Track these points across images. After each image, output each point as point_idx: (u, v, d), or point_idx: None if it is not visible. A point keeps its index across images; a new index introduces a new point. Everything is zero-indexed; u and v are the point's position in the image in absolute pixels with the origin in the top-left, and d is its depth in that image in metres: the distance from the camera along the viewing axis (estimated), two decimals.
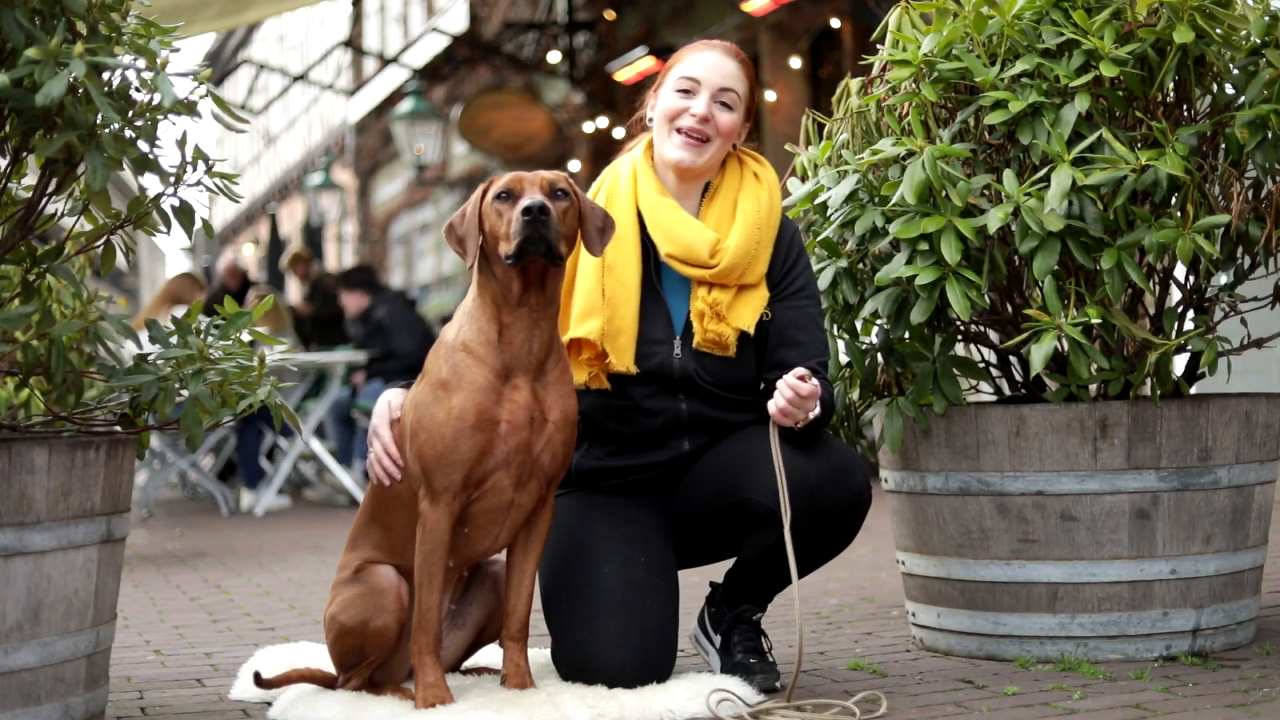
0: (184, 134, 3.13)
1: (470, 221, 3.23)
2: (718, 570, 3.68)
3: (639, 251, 3.47)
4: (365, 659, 3.34)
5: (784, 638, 4.11)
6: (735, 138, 3.52)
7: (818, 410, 3.26)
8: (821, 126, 4.04)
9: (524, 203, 3.13)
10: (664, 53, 12.15)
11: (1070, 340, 3.47)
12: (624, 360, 3.41)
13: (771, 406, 3.24)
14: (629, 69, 12.88)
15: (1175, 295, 3.91)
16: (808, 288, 3.51)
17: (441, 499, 3.18)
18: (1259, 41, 3.61)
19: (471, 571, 3.49)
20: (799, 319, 3.47)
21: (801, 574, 3.43)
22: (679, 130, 3.46)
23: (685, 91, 3.47)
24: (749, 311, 3.45)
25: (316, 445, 10.02)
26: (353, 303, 11.13)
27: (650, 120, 3.55)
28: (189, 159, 3.15)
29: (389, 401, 3.35)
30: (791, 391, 3.20)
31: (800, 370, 3.24)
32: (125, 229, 3.29)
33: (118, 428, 3.33)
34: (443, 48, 15.84)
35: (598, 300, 3.42)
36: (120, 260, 3.32)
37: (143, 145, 3.05)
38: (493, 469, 3.19)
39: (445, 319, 12.40)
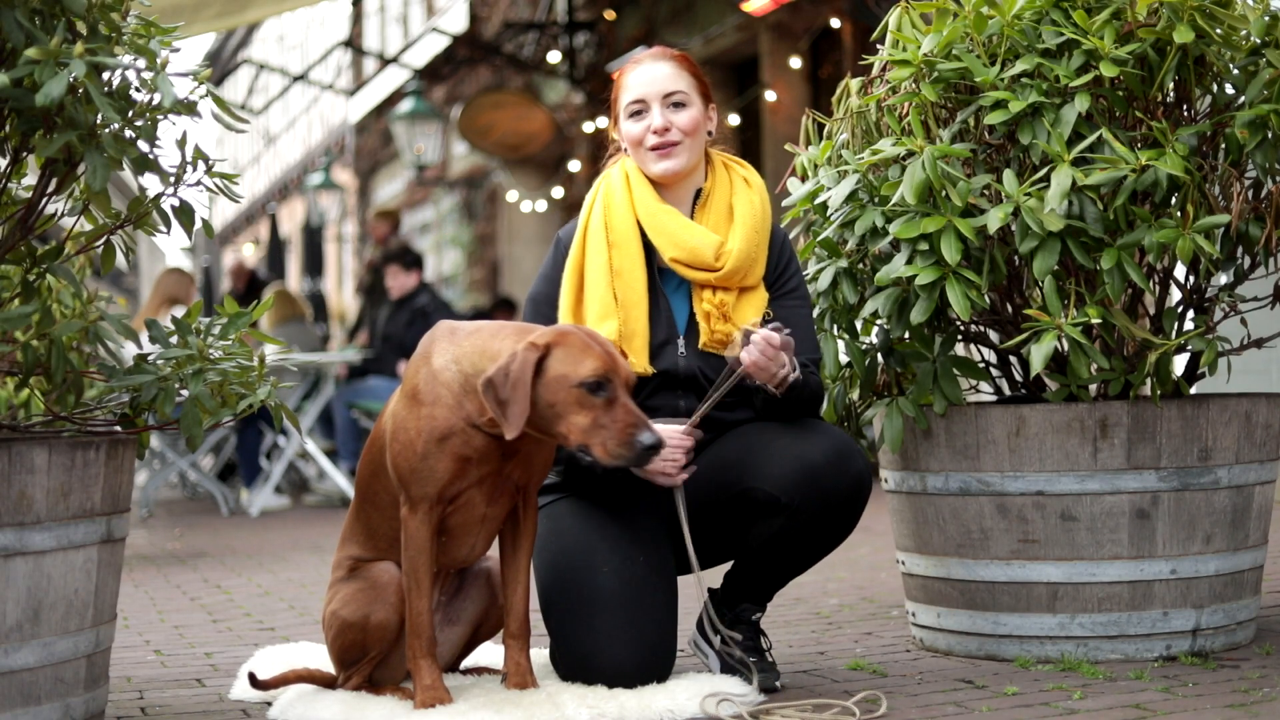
0: (184, 134, 3.13)
1: (519, 391, 3.00)
2: (716, 575, 3.68)
3: (642, 257, 3.50)
4: (367, 654, 3.34)
5: (784, 638, 4.12)
6: (706, 125, 3.54)
7: (796, 373, 3.30)
8: (821, 126, 4.04)
9: (646, 436, 3.00)
10: None
11: (1070, 340, 3.47)
12: (641, 361, 3.43)
13: (745, 355, 3.25)
14: None
15: (1175, 295, 3.91)
16: (799, 289, 3.56)
17: (420, 507, 3.18)
18: (1259, 41, 3.61)
19: (463, 569, 3.49)
20: (791, 318, 3.51)
21: (806, 565, 3.48)
22: (650, 149, 3.50)
23: (637, 114, 3.52)
24: (752, 311, 3.47)
25: (312, 446, 10.02)
26: (407, 283, 10.88)
27: (625, 150, 3.58)
28: (189, 159, 3.15)
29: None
30: (764, 343, 3.22)
31: (774, 324, 3.27)
32: (125, 229, 3.29)
33: (118, 428, 3.33)
34: (443, 48, 15.84)
35: (611, 303, 3.45)
36: (120, 260, 3.32)
37: (143, 145, 3.05)
38: (465, 488, 3.19)
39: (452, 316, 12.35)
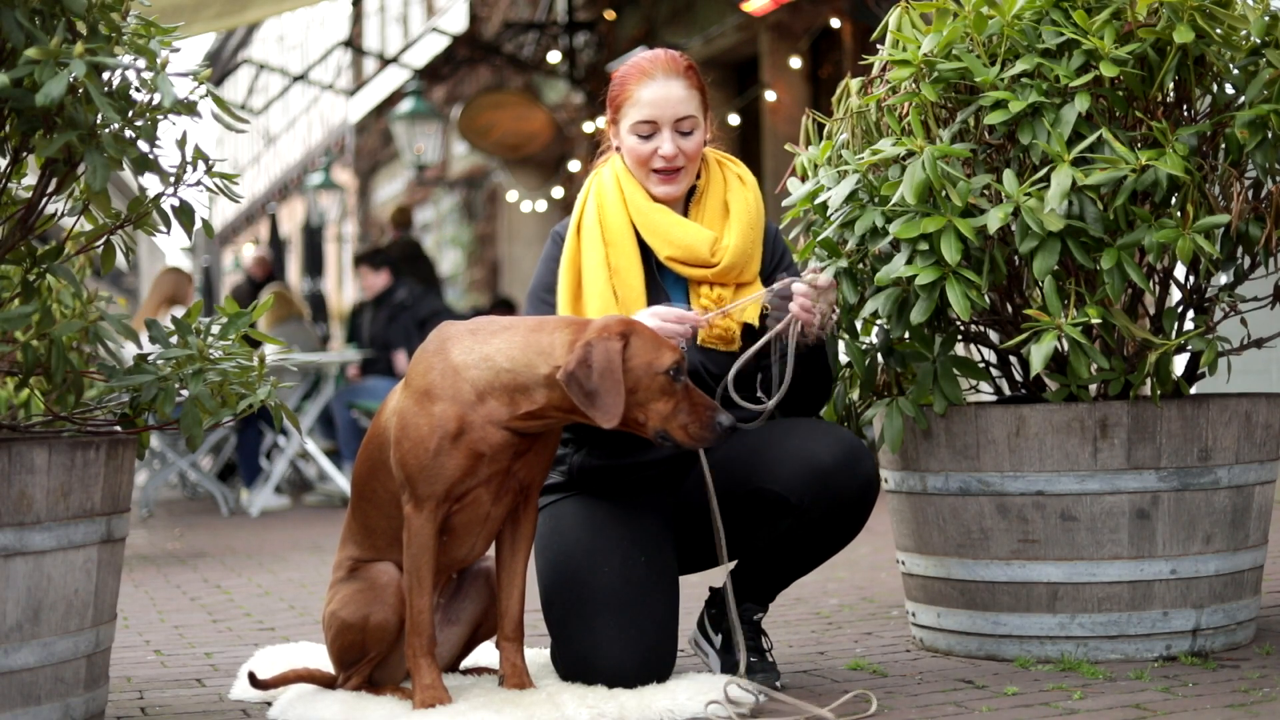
0: (184, 134, 3.13)
1: (613, 380, 3.03)
2: (717, 575, 3.68)
3: (639, 255, 3.49)
4: (366, 655, 3.34)
5: (784, 638, 4.12)
6: (706, 138, 3.54)
7: (835, 315, 3.39)
8: (821, 126, 4.04)
9: (725, 419, 3.11)
10: None
11: (1070, 340, 3.47)
12: None
13: (793, 307, 3.30)
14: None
15: (1175, 295, 3.91)
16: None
17: (426, 505, 3.17)
18: (1259, 41, 3.61)
19: (461, 569, 3.48)
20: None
21: (813, 565, 3.49)
22: (654, 170, 3.49)
23: (646, 136, 3.48)
24: (751, 305, 3.47)
25: (312, 446, 10.02)
26: (376, 282, 10.95)
27: (618, 149, 3.57)
28: (189, 159, 3.15)
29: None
30: (806, 285, 3.29)
31: (812, 265, 3.35)
32: (125, 229, 3.29)
33: (118, 428, 3.33)
34: (443, 48, 15.84)
35: (611, 300, 3.44)
36: (120, 260, 3.32)
37: (143, 145, 3.05)
38: (474, 486, 3.19)
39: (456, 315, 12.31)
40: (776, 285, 3.34)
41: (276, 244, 22.09)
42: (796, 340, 3.32)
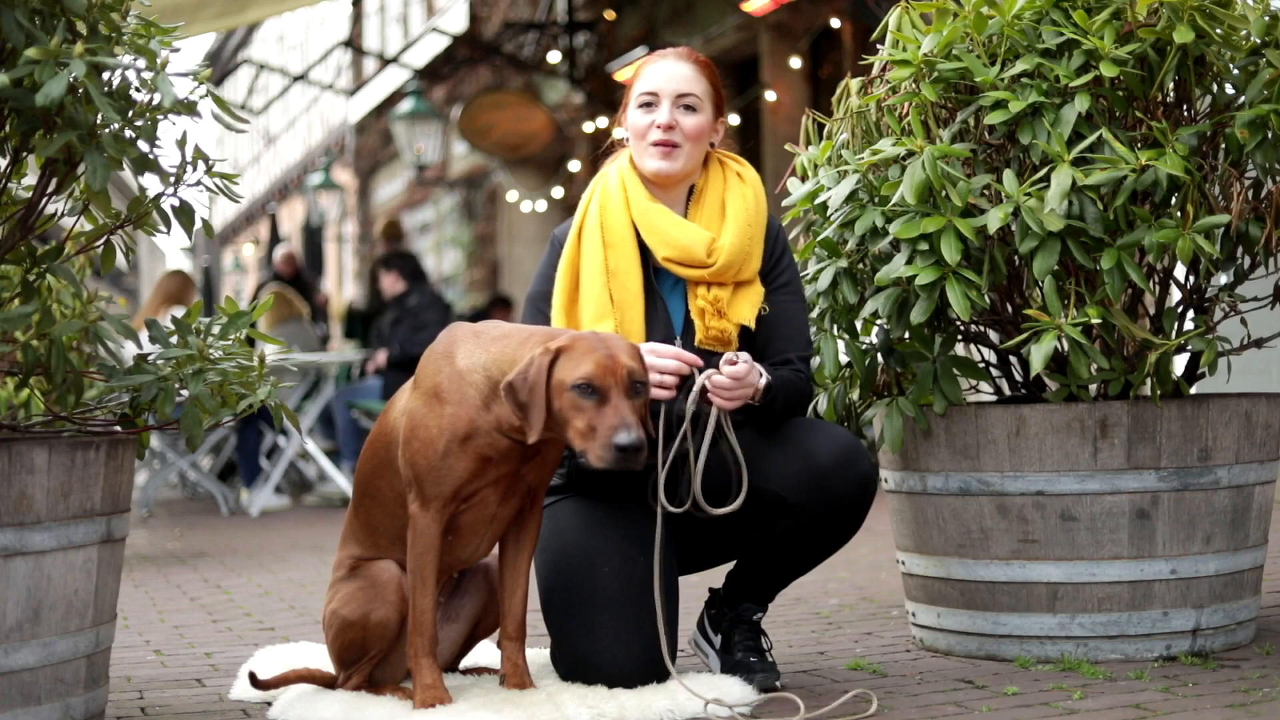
0: (184, 134, 3.13)
1: (536, 395, 3.03)
2: (716, 575, 3.69)
3: (638, 257, 3.49)
4: (367, 653, 3.34)
5: (784, 638, 4.12)
6: (711, 136, 3.54)
7: (765, 378, 3.32)
8: (821, 126, 4.04)
9: (622, 436, 2.95)
10: None
11: (1070, 340, 3.47)
12: None
13: (718, 401, 3.27)
14: (629, 69, 12.86)
15: (1175, 295, 3.91)
16: (792, 283, 3.55)
17: (432, 505, 3.17)
18: (1259, 41, 3.61)
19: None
20: (783, 312, 3.52)
21: (810, 565, 3.49)
22: (651, 144, 3.49)
23: (647, 105, 3.50)
24: (748, 306, 3.47)
25: (312, 446, 10.02)
26: (385, 284, 11.11)
27: (626, 140, 3.58)
28: (189, 159, 3.15)
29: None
30: (725, 378, 3.24)
31: (727, 356, 3.28)
32: (125, 229, 3.29)
33: (118, 428, 3.33)
34: (443, 48, 15.84)
35: (607, 304, 3.44)
36: (120, 260, 3.32)
37: (143, 145, 3.06)
38: (482, 487, 3.19)
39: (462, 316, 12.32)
40: (697, 383, 3.27)
41: (276, 244, 22.08)
42: (729, 423, 3.30)
